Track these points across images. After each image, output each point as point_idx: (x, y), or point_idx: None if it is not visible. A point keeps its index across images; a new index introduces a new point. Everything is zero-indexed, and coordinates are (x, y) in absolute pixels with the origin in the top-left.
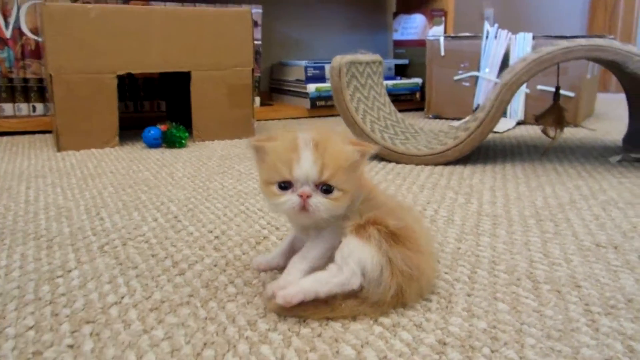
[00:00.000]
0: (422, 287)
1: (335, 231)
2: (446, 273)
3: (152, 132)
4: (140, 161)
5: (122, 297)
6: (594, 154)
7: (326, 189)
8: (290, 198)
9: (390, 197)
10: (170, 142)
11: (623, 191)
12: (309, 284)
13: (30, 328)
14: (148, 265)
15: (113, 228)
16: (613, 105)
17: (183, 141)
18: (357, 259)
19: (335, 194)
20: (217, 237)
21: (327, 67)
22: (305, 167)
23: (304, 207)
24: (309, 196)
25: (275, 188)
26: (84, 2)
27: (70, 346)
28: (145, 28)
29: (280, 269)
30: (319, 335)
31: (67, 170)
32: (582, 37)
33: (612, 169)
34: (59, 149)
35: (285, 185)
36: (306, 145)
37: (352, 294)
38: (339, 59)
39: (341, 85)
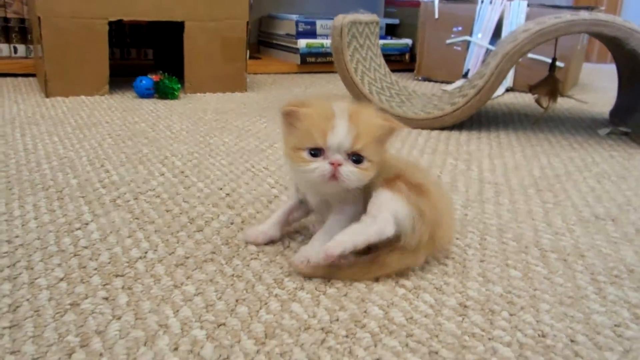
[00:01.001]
0: (449, 234)
1: (357, 206)
2: (457, 239)
3: (144, 82)
4: (134, 111)
5: (146, 252)
6: (582, 126)
7: (356, 159)
8: (321, 165)
9: (405, 160)
10: (162, 93)
11: (614, 164)
12: (346, 237)
13: (61, 280)
14: (164, 220)
15: (121, 181)
16: (595, 75)
17: (176, 93)
18: (390, 208)
19: (365, 164)
20: (228, 195)
21: (319, 22)
22: (340, 135)
23: (333, 176)
24: (340, 165)
25: (305, 154)
26: None
27: (106, 298)
28: None
29: (277, 240)
30: (345, 295)
31: (60, 118)
32: (569, 8)
33: (601, 141)
34: (47, 94)
35: (316, 153)
36: (341, 114)
37: (392, 249)
38: (341, 19)
39: (342, 46)
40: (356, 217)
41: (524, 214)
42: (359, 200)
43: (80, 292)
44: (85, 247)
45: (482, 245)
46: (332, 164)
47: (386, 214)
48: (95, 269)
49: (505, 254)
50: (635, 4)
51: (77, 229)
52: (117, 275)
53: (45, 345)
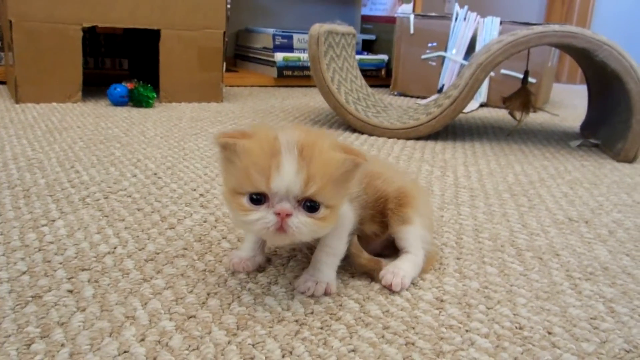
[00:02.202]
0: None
1: (349, 213)
2: (434, 238)
3: (119, 89)
4: (107, 118)
5: (115, 248)
6: (554, 138)
7: (310, 205)
8: (264, 216)
9: (384, 163)
10: (137, 101)
11: (586, 173)
12: (412, 273)
13: (24, 273)
14: (135, 218)
15: (91, 181)
16: (565, 94)
17: (150, 101)
18: (420, 242)
19: (322, 212)
20: (202, 195)
21: (296, 36)
22: (287, 178)
23: (281, 228)
24: (288, 215)
25: (245, 200)
26: None
27: (70, 291)
28: None
29: (263, 265)
30: None
31: (29, 123)
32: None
33: (573, 152)
34: (17, 100)
35: (258, 198)
36: (289, 150)
37: None
38: (318, 27)
39: (319, 54)
40: (353, 221)
41: (499, 216)
42: (350, 215)
43: (43, 285)
44: (51, 243)
45: (459, 244)
46: (277, 214)
47: (421, 247)
48: (61, 263)
49: (482, 252)
50: (603, 23)
51: (44, 226)
52: (83, 269)
53: (3, 336)
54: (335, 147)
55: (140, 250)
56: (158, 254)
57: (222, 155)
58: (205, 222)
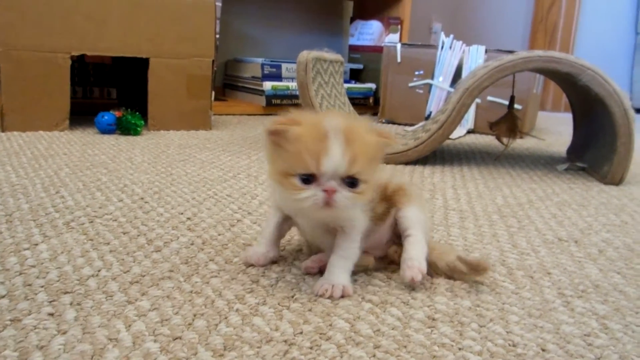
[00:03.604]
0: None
1: (363, 220)
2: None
3: (106, 117)
4: (94, 145)
5: (99, 271)
6: (541, 162)
7: (351, 182)
8: (315, 193)
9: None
10: (124, 128)
11: (574, 195)
12: (423, 255)
13: (3, 297)
14: (121, 241)
15: (76, 206)
16: (550, 122)
17: (138, 129)
18: (422, 224)
19: (361, 187)
20: (189, 219)
21: (284, 65)
22: (335, 160)
23: (327, 203)
24: (334, 192)
25: (296, 180)
26: None
27: (51, 314)
28: (104, 9)
29: (277, 260)
30: (310, 310)
31: (15, 150)
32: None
33: (560, 175)
34: (3, 129)
35: (308, 179)
36: (335, 134)
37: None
38: (306, 54)
39: (307, 80)
40: (362, 226)
41: (489, 236)
42: (361, 217)
43: (23, 308)
44: (33, 266)
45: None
46: (326, 191)
47: (426, 236)
48: (42, 286)
49: None
50: (585, 50)
51: (25, 249)
52: (65, 292)
53: None
54: (370, 131)
55: (125, 272)
56: (143, 276)
57: (271, 140)
58: (192, 244)
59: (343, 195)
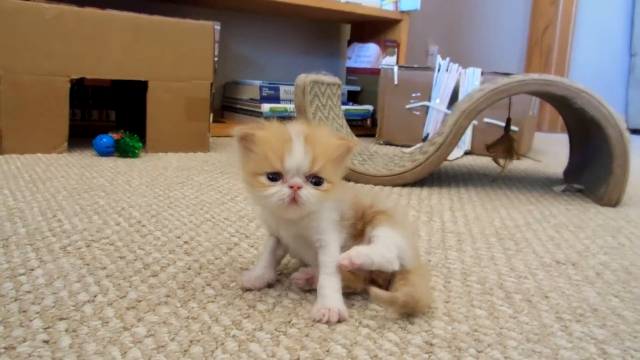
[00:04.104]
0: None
1: (338, 233)
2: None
3: (105, 139)
4: (92, 168)
5: (95, 296)
6: (539, 183)
7: (316, 181)
8: (280, 189)
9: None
10: (123, 151)
11: (571, 217)
12: (367, 251)
13: None
14: (117, 266)
15: (73, 230)
16: (548, 143)
17: (136, 151)
18: (394, 242)
19: (325, 185)
20: (186, 242)
21: (282, 87)
22: (298, 158)
23: (293, 199)
24: (299, 187)
25: (263, 179)
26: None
27: (46, 341)
28: (103, 33)
29: (273, 283)
30: (307, 336)
31: (12, 173)
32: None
33: (557, 197)
34: (2, 151)
35: (274, 177)
36: (297, 137)
37: (405, 286)
38: (304, 77)
39: (305, 104)
40: (343, 248)
41: (486, 259)
42: (337, 229)
43: (17, 335)
44: (28, 292)
45: (447, 288)
46: (291, 187)
47: (394, 251)
48: (37, 312)
49: (470, 295)
50: (580, 73)
51: (21, 275)
52: (61, 319)
53: None
54: (332, 136)
55: (121, 298)
56: (140, 301)
57: (241, 145)
58: (189, 269)
59: (308, 192)
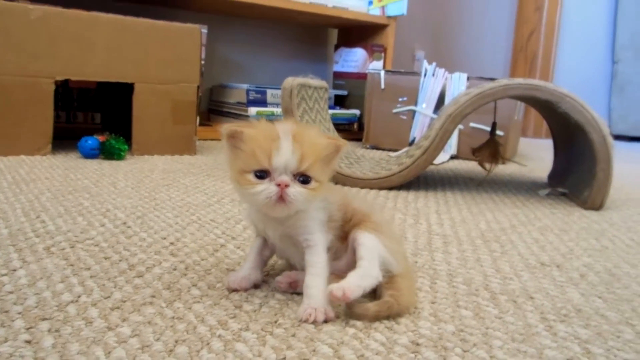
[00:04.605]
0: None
1: (326, 236)
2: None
3: (90, 142)
4: (77, 170)
5: (79, 296)
6: (524, 187)
7: (303, 179)
8: (267, 187)
9: (361, 201)
10: (108, 153)
11: (556, 220)
12: (359, 281)
13: None
14: (102, 267)
15: (57, 231)
16: (532, 148)
17: (122, 153)
18: (378, 251)
19: (312, 184)
20: (172, 244)
21: (269, 91)
22: (285, 156)
23: (281, 197)
24: (287, 186)
25: (251, 176)
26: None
27: (28, 342)
28: (89, 35)
29: (259, 283)
30: (293, 335)
31: None
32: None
33: (542, 201)
34: None
35: (262, 175)
36: (285, 135)
37: (391, 290)
38: (291, 81)
39: (292, 106)
40: (331, 249)
41: (472, 261)
42: (324, 230)
43: None
44: (10, 292)
45: (433, 289)
46: (278, 185)
47: (376, 261)
48: (19, 313)
49: (456, 296)
50: (564, 78)
51: (3, 275)
52: (43, 319)
53: None
54: (320, 135)
55: (105, 298)
56: (124, 302)
57: (229, 143)
58: (174, 269)
59: (295, 190)
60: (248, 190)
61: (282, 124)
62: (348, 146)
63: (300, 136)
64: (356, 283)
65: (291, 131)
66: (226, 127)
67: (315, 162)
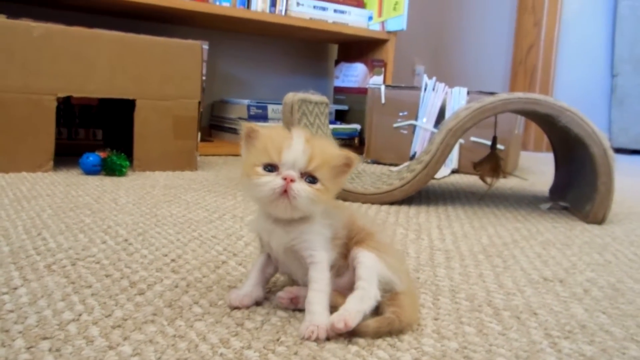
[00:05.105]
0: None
1: (329, 251)
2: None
3: (91, 158)
4: (78, 186)
5: (80, 315)
6: (525, 201)
7: (310, 180)
8: (273, 179)
9: (367, 220)
10: (110, 169)
11: (558, 234)
12: (358, 306)
13: None
14: (103, 284)
15: (58, 248)
16: (533, 161)
17: (123, 169)
18: (378, 274)
19: (319, 185)
20: (173, 260)
21: (270, 107)
22: (295, 153)
23: (285, 192)
24: (292, 180)
25: (260, 169)
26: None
27: None
28: (91, 52)
29: (261, 301)
30: (296, 354)
31: None
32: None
33: (544, 215)
34: None
35: (271, 169)
36: (298, 137)
37: (393, 307)
38: (292, 96)
39: (293, 122)
40: (334, 267)
41: (475, 276)
42: (328, 247)
43: None
44: (11, 311)
45: (436, 305)
46: (284, 179)
47: (374, 281)
48: (20, 332)
49: (459, 312)
50: (563, 91)
51: (4, 294)
52: (44, 338)
53: None
54: (333, 145)
55: (106, 316)
56: (126, 320)
57: (246, 140)
58: (176, 287)
59: (300, 186)
60: (255, 181)
61: (298, 130)
62: (359, 161)
63: (312, 140)
64: (356, 309)
65: (304, 135)
66: (245, 124)
67: (323, 165)
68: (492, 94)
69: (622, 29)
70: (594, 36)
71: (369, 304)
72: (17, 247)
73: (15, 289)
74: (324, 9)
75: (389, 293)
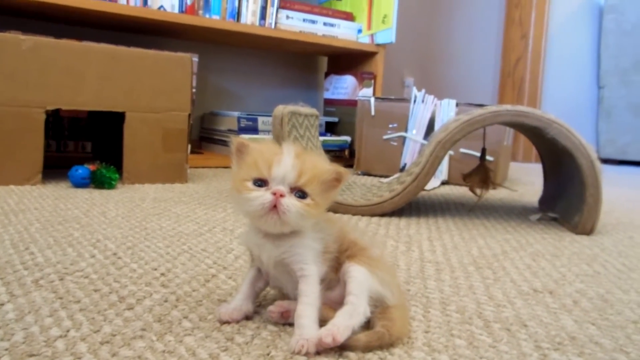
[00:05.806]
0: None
1: (320, 265)
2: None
3: (80, 171)
4: (67, 199)
5: (68, 331)
6: (515, 212)
7: (300, 195)
8: (263, 195)
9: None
10: (99, 182)
11: (547, 245)
12: (347, 321)
13: None
14: (92, 299)
15: (46, 263)
16: (522, 172)
17: (113, 182)
18: (368, 289)
19: (309, 200)
20: (163, 274)
21: (260, 119)
22: (285, 168)
23: (274, 207)
24: (282, 195)
25: (250, 184)
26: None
27: None
28: (80, 64)
29: (251, 315)
30: None
31: None
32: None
33: (533, 226)
34: None
35: (260, 184)
36: (288, 152)
37: (384, 320)
38: (282, 109)
39: (283, 134)
40: (324, 281)
41: (465, 288)
42: (319, 261)
43: None
44: None
45: (426, 317)
46: (274, 194)
47: (364, 296)
48: (6, 349)
49: (450, 324)
50: (551, 104)
51: None
52: (31, 355)
53: None
54: (323, 160)
55: (95, 332)
56: (114, 335)
57: (236, 154)
58: (165, 301)
59: (289, 201)
60: (244, 196)
61: (288, 145)
62: (350, 175)
63: (302, 156)
64: (344, 324)
65: (295, 150)
66: (235, 139)
67: (313, 180)
68: (480, 106)
69: (608, 41)
70: (580, 48)
71: (357, 320)
72: (4, 262)
73: (2, 304)
74: (313, 22)
75: (379, 307)
